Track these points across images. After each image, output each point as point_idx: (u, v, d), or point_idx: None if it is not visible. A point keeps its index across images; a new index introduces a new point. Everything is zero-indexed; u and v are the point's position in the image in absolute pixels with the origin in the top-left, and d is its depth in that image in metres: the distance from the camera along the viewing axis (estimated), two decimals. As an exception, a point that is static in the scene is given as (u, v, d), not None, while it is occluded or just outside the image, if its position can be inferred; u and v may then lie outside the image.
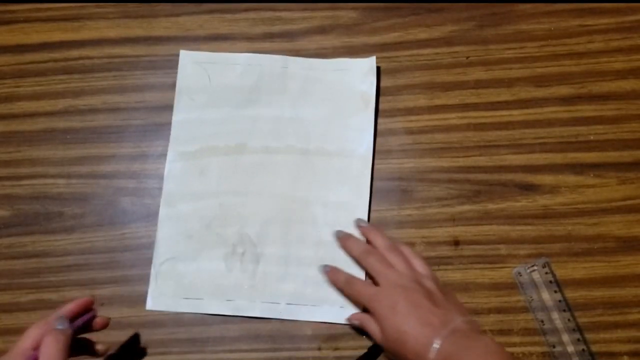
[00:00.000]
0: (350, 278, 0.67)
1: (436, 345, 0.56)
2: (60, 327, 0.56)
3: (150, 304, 0.69)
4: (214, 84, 0.75)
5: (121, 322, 0.68)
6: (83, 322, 0.59)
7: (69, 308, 0.59)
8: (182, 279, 0.69)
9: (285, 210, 0.71)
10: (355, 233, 0.70)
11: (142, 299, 0.69)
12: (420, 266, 0.65)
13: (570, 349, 0.65)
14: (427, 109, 0.74)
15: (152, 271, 0.70)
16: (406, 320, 0.59)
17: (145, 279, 0.69)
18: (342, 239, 0.69)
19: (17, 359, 0.54)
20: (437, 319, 0.58)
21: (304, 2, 0.78)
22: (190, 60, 0.76)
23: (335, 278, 0.68)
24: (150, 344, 0.68)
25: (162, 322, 0.69)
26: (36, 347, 0.54)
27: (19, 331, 0.56)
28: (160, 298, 0.69)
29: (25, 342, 0.55)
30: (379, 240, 0.67)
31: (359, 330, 0.67)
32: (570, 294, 0.67)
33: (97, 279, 0.69)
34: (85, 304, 0.60)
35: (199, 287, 0.69)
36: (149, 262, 0.70)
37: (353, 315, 0.67)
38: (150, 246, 0.70)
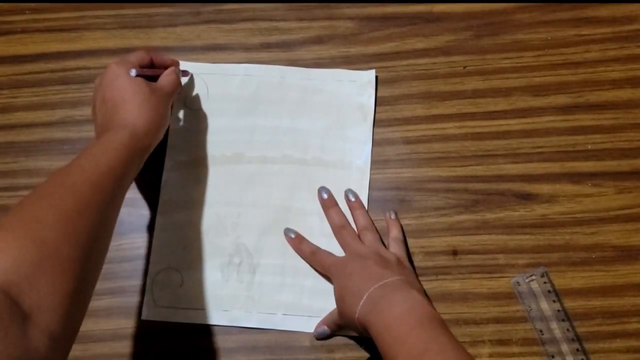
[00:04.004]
0: (316, 249, 0.69)
1: (362, 301, 0.58)
2: (176, 73, 0.70)
3: (146, 314, 0.69)
4: (212, 94, 0.75)
5: (117, 332, 0.68)
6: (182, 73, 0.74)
7: (175, 61, 0.73)
8: (178, 289, 0.69)
9: (281, 221, 0.71)
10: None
11: (138, 309, 0.69)
12: (394, 247, 0.67)
13: (570, 358, 0.65)
14: (425, 118, 0.74)
15: (148, 281, 0.69)
16: (351, 277, 0.62)
17: (141, 290, 0.69)
18: (327, 206, 0.71)
19: (131, 64, 0.66)
20: (377, 276, 0.61)
21: (301, 11, 0.78)
22: (189, 71, 0.76)
23: (300, 248, 0.69)
24: (146, 355, 0.68)
25: (159, 333, 0.68)
26: (140, 66, 0.67)
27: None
28: (156, 308, 0.69)
29: (133, 58, 0.67)
30: (360, 219, 0.69)
31: (357, 340, 0.66)
32: (569, 303, 0.67)
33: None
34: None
35: (194, 297, 0.69)
36: (145, 272, 0.70)
37: (317, 325, 0.67)
38: (146, 256, 0.70)
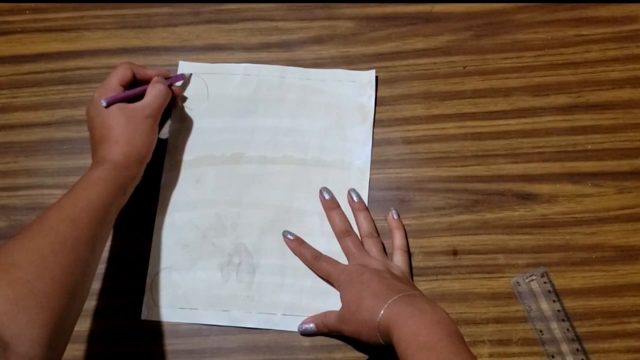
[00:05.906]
0: (318, 254, 0.69)
1: (387, 304, 0.58)
2: (162, 82, 0.69)
3: (145, 314, 0.68)
4: (212, 94, 0.75)
5: (117, 332, 0.68)
6: (175, 81, 0.73)
7: (163, 72, 0.72)
8: (177, 289, 0.69)
9: (281, 221, 0.71)
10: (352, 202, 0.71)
11: (137, 309, 0.69)
12: (399, 260, 0.67)
13: (570, 358, 0.65)
14: (425, 118, 0.74)
15: (147, 281, 0.69)
16: (368, 284, 0.61)
17: (140, 289, 0.69)
18: (329, 208, 0.70)
19: (112, 89, 0.67)
20: (397, 287, 0.61)
21: (302, 11, 0.78)
22: (188, 71, 0.76)
23: (301, 251, 0.69)
24: (146, 355, 0.68)
25: (158, 333, 0.68)
26: (122, 84, 0.67)
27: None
28: (155, 308, 0.69)
29: (114, 79, 0.67)
30: (363, 224, 0.69)
31: (357, 340, 0.66)
32: (569, 303, 0.67)
33: (92, 289, 0.69)
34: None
35: (194, 297, 0.69)
36: (144, 272, 0.70)
37: (305, 321, 0.67)
38: (146, 256, 0.70)
